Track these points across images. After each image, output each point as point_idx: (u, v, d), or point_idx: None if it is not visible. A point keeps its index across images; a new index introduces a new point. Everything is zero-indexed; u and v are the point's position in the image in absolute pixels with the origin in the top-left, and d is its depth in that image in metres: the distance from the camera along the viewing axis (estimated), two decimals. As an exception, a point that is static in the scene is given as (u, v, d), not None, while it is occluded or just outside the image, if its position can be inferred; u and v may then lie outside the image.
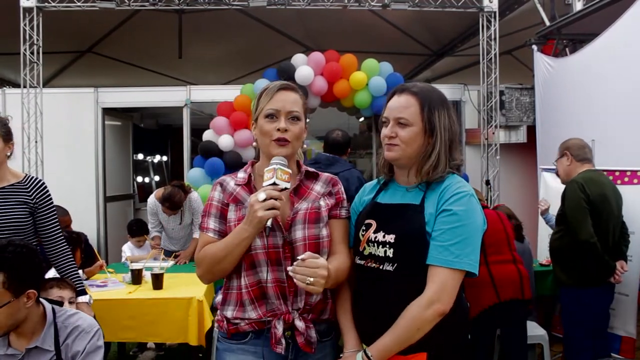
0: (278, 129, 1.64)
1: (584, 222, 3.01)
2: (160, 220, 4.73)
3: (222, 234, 1.68)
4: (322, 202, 1.72)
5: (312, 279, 1.50)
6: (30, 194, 2.49)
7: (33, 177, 2.58)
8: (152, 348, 4.57)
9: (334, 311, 1.73)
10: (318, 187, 1.75)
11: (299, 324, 1.64)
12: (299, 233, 1.65)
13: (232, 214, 1.68)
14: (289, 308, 1.64)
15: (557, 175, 3.45)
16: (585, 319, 3.10)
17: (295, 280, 1.52)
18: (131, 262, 4.06)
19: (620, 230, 3.22)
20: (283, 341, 1.62)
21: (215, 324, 1.77)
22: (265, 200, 1.53)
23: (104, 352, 2.03)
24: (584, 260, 3.06)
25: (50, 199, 2.57)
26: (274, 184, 1.57)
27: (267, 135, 1.66)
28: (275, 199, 1.54)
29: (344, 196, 1.79)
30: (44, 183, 2.58)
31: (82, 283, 2.59)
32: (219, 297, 1.76)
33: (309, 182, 1.75)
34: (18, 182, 2.50)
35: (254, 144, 1.73)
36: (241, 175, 1.75)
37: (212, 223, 1.70)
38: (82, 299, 2.53)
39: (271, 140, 1.65)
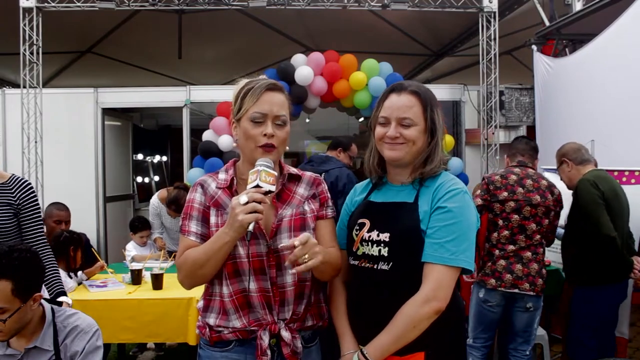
0: (265, 134, 1.58)
1: (602, 217, 2.98)
2: (162, 222, 4.75)
3: (204, 237, 1.62)
4: (306, 207, 1.67)
5: (306, 255, 1.46)
6: (14, 194, 2.43)
7: (18, 177, 2.51)
8: (152, 348, 4.57)
9: (319, 316, 1.71)
10: (301, 190, 1.70)
11: (285, 334, 1.60)
12: (285, 241, 1.58)
13: (213, 219, 1.63)
14: (275, 318, 1.61)
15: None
16: (597, 318, 3.10)
17: (296, 269, 1.48)
18: (135, 261, 4.06)
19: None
20: (269, 352, 1.58)
21: (197, 330, 1.71)
22: (247, 203, 1.47)
23: (103, 352, 2.03)
24: (603, 258, 3.03)
25: (35, 199, 2.51)
26: (257, 186, 1.50)
27: (252, 140, 1.59)
28: (259, 202, 1.47)
29: (328, 195, 1.75)
30: (29, 183, 2.52)
31: (61, 285, 2.50)
32: (201, 303, 1.70)
33: (291, 185, 1.71)
34: (2, 183, 2.44)
35: (234, 144, 1.66)
36: (222, 176, 1.68)
37: (193, 226, 1.63)
38: (61, 299, 2.47)
39: (256, 145, 1.58)
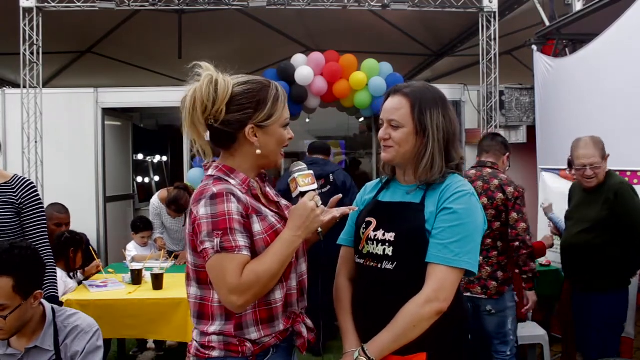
0: (290, 138, 1.64)
1: None
2: (163, 222, 4.75)
3: (252, 250, 1.49)
4: (283, 202, 1.72)
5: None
6: (15, 193, 2.43)
7: (21, 177, 2.50)
8: (152, 348, 4.57)
9: None
10: (268, 188, 1.72)
11: (309, 322, 1.66)
12: None
13: (257, 226, 1.51)
14: (299, 310, 1.63)
15: (574, 177, 3.28)
16: (616, 320, 3.10)
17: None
18: (135, 261, 4.07)
19: None
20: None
21: (218, 352, 1.52)
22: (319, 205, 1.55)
23: (103, 352, 2.03)
24: (630, 264, 3.03)
25: (38, 199, 2.49)
26: (315, 189, 1.58)
27: (281, 144, 1.62)
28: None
29: None
30: (31, 183, 2.51)
31: (55, 290, 2.46)
32: (226, 324, 1.52)
33: (264, 185, 1.72)
34: (5, 183, 2.44)
35: (258, 152, 1.57)
36: (234, 181, 1.56)
37: (241, 240, 1.46)
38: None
39: (280, 149, 1.63)
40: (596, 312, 3.10)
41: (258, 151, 1.57)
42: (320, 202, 1.55)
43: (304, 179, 1.58)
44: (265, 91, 1.57)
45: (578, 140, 3.12)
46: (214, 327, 1.53)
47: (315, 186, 1.57)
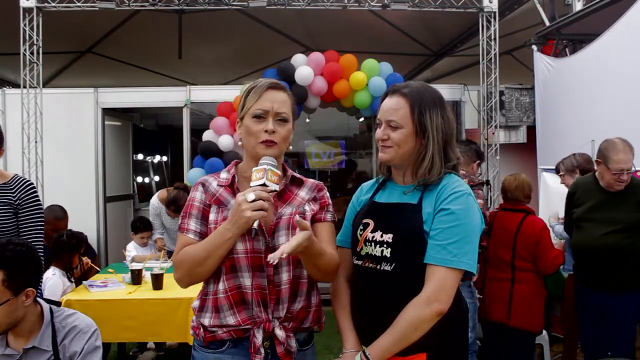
0: (266, 131, 1.60)
1: None
2: (162, 222, 4.74)
3: (203, 235, 1.63)
4: (307, 207, 1.68)
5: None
6: (14, 193, 2.42)
7: (21, 177, 2.49)
8: (152, 348, 4.57)
9: (316, 320, 1.71)
10: (303, 193, 1.71)
11: (279, 333, 1.60)
12: (282, 239, 1.60)
13: (213, 216, 1.63)
14: (269, 316, 1.60)
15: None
16: (632, 318, 3.08)
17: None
18: (135, 261, 4.06)
19: None
20: (262, 350, 1.58)
21: (191, 331, 1.71)
22: (254, 200, 1.49)
23: (103, 352, 2.03)
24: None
25: (36, 199, 2.48)
26: (264, 184, 1.52)
27: (254, 136, 1.62)
28: (264, 201, 1.50)
29: (329, 201, 1.75)
30: (31, 183, 2.50)
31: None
32: (196, 303, 1.70)
33: (293, 187, 1.72)
34: (4, 183, 2.44)
35: (239, 143, 1.70)
36: (224, 175, 1.71)
37: (192, 224, 1.64)
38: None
39: (258, 141, 1.61)
40: (614, 311, 3.07)
41: (239, 142, 1.70)
42: (253, 197, 1.48)
43: (256, 173, 1.55)
44: (249, 87, 1.68)
45: (613, 143, 3.04)
46: (195, 302, 1.71)
47: (262, 181, 1.52)
